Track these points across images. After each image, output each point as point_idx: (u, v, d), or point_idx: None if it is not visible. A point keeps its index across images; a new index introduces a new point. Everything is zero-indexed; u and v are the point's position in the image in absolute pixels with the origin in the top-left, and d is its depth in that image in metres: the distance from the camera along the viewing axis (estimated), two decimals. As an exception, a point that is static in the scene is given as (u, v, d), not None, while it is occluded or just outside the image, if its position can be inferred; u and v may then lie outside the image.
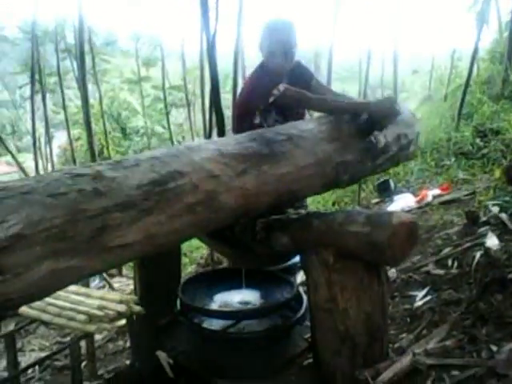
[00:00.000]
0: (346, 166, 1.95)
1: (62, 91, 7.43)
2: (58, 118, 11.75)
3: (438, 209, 4.07)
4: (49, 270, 1.09)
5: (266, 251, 2.05)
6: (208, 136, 5.16)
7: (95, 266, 1.21)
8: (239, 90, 3.49)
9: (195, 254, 5.81)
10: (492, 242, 2.67)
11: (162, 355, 2.35)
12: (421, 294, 2.55)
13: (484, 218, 3.20)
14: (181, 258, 2.80)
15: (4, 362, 3.24)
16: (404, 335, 2.18)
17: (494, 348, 1.73)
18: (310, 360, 2.12)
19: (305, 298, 2.29)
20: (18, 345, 3.37)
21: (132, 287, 3.55)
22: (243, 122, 2.40)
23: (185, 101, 10.29)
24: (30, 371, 3.24)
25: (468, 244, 2.91)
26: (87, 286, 3.33)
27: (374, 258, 1.71)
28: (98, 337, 3.42)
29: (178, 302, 2.41)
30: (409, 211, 4.19)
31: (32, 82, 6.58)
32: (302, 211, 2.21)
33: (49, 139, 8.52)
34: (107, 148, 9.13)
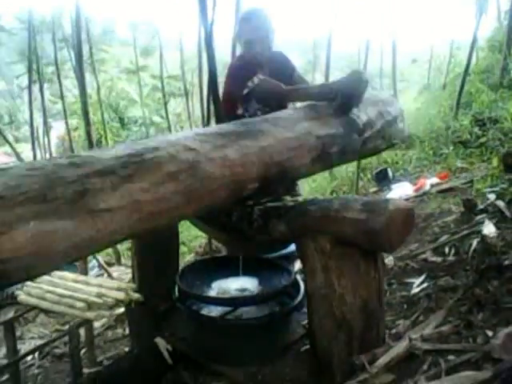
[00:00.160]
0: (331, 138, 1.97)
1: (60, 81, 7.38)
2: (56, 107, 11.71)
3: (435, 197, 4.08)
4: (35, 231, 1.10)
5: (263, 238, 2.06)
6: (206, 125, 5.15)
7: (85, 230, 1.20)
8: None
9: (193, 243, 5.82)
10: (489, 229, 2.68)
11: (160, 342, 2.37)
12: (418, 280, 2.56)
13: (481, 206, 3.21)
14: (179, 245, 2.81)
15: (4, 350, 3.26)
16: (401, 321, 2.20)
17: (490, 333, 1.74)
18: (308, 346, 2.14)
19: (302, 284, 2.30)
20: (18, 333, 3.39)
21: (130, 276, 3.56)
22: (227, 113, 2.45)
23: (183, 90, 10.25)
24: (29, 358, 3.26)
25: (465, 232, 2.92)
26: (86, 274, 3.34)
27: (371, 245, 1.72)
28: (96, 324, 3.44)
29: (177, 289, 2.42)
30: (407, 200, 4.20)
31: (29, 72, 6.55)
32: (299, 199, 2.23)
33: (47, 129, 8.50)
34: (105, 138, 9.12)
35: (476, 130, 5.62)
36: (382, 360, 1.73)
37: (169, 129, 10.33)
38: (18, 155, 6.30)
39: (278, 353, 2.24)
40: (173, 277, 2.50)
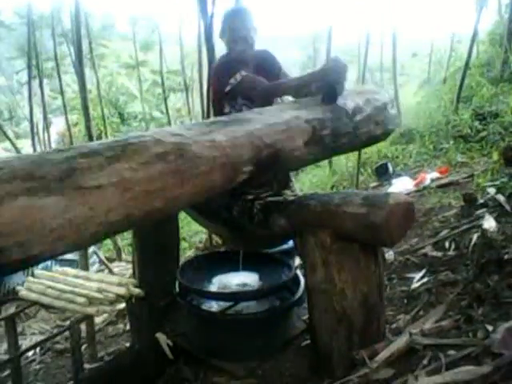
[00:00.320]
0: (320, 121, 1.97)
1: (60, 76, 7.37)
2: (56, 103, 11.69)
3: (435, 192, 4.08)
4: (25, 206, 1.11)
5: (264, 233, 2.06)
6: (206, 120, 5.14)
7: (77, 206, 1.20)
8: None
9: (194, 238, 5.83)
10: (489, 223, 2.68)
11: (161, 337, 2.38)
12: (418, 275, 2.57)
13: (481, 201, 3.21)
14: (179, 241, 2.81)
15: (5, 345, 3.27)
16: (401, 316, 2.20)
17: (490, 328, 1.74)
18: (308, 341, 2.14)
19: (302, 279, 2.30)
20: (19, 329, 3.40)
21: (131, 272, 3.57)
22: (216, 112, 2.51)
23: (183, 85, 10.23)
24: (30, 354, 3.27)
25: (465, 226, 2.92)
26: (86, 269, 3.35)
27: (371, 239, 1.72)
28: (97, 320, 3.45)
29: (177, 285, 2.43)
30: (407, 194, 4.20)
31: (29, 68, 6.53)
32: (299, 193, 2.23)
33: (46, 125, 8.49)
34: (105, 133, 9.11)
35: (476, 124, 5.62)
36: (383, 355, 1.73)
37: (169, 124, 10.32)
38: (18, 151, 6.30)
39: (278, 348, 2.24)
40: (173, 272, 2.50)
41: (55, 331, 3.35)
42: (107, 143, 1.37)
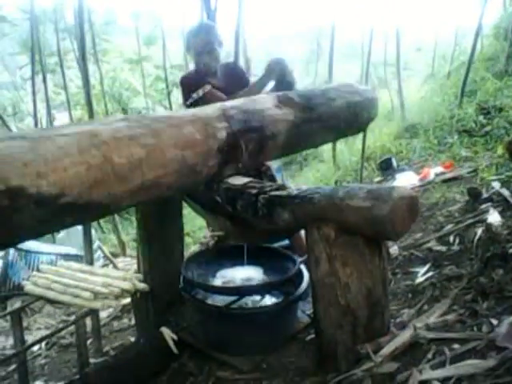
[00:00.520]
0: (284, 93, 2.25)
1: (63, 72, 7.36)
2: (59, 98, 11.68)
3: (440, 186, 4.07)
4: (4, 146, 1.25)
5: (268, 227, 2.06)
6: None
7: (44, 146, 1.32)
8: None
9: (198, 234, 5.83)
10: (494, 218, 2.68)
11: (166, 331, 2.38)
12: (422, 270, 2.57)
13: (486, 195, 3.21)
14: (184, 236, 2.82)
15: (11, 340, 3.29)
16: (405, 310, 2.20)
17: (495, 322, 1.74)
18: (313, 335, 2.15)
19: (307, 273, 2.31)
20: (25, 324, 3.41)
21: (135, 267, 3.58)
22: None
23: (186, 80, 10.20)
24: (36, 349, 3.29)
25: (470, 220, 2.92)
26: (91, 264, 3.36)
27: (375, 233, 1.71)
28: (102, 315, 3.46)
29: (182, 279, 2.43)
30: (411, 189, 4.19)
31: (32, 63, 6.52)
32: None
33: (50, 120, 8.49)
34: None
35: (481, 118, 5.60)
36: (387, 349, 1.74)
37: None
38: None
39: (283, 342, 2.25)
40: (178, 267, 2.51)
41: (60, 326, 3.37)
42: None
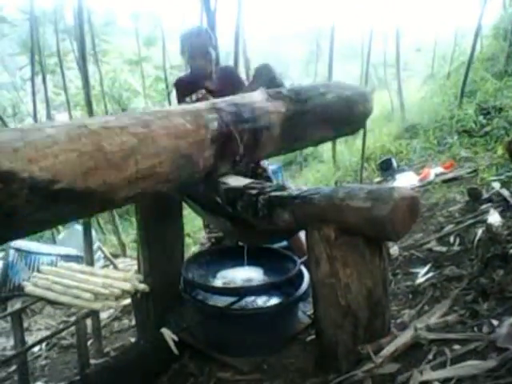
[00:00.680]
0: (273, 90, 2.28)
1: (63, 72, 7.36)
2: (59, 99, 11.67)
3: (440, 187, 4.07)
4: None
5: (268, 228, 2.06)
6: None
7: (32, 134, 1.36)
8: (240, 69, 3.54)
9: (198, 234, 5.83)
10: (494, 218, 2.68)
11: (166, 332, 2.38)
12: (423, 270, 2.57)
13: (486, 195, 3.21)
14: (184, 236, 2.82)
15: (11, 341, 3.29)
16: (406, 311, 2.20)
17: (495, 322, 1.75)
18: (313, 336, 2.15)
19: (307, 274, 2.31)
20: (25, 324, 3.41)
21: (136, 267, 3.58)
22: None
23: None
24: (36, 349, 3.29)
25: (470, 221, 2.92)
26: (92, 265, 3.36)
27: (376, 233, 1.71)
28: (103, 316, 3.46)
29: (182, 280, 2.43)
30: (411, 189, 4.19)
31: (32, 64, 6.52)
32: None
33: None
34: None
35: (481, 118, 5.60)
36: (388, 349, 1.74)
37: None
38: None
39: (283, 342, 2.25)
40: (178, 267, 2.51)
41: (61, 327, 3.36)
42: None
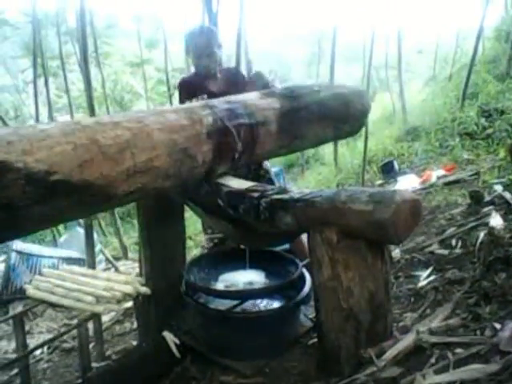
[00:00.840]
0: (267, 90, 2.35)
1: (65, 75, 7.37)
2: (61, 101, 11.69)
3: (442, 189, 4.07)
4: None
5: (270, 231, 2.06)
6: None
7: (25, 130, 1.39)
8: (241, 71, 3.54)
9: (199, 237, 5.83)
10: (496, 221, 2.67)
11: (168, 336, 2.38)
12: (425, 273, 2.56)
13: (488, 198, 3.20)
14: (185, 239, 2.81)
15: (13, 344, 3.29)
16: (408, 314, 2.20)
17: (498, 326, 1.74)
18: (315, 339, 2.14)
19: (309, 277, 2.30)
20: (27, 327, 3.41)
21: (137, 270, 3.58)
22: None
23: (188, 83, 10.21)
24: (38, 353, 3.29)
25: (472, 224, 2.91)
26: (93, 268, 3.36)
27: (378, 236, 1.71)
28: (105, 318, 3.46)
29: (184, 283, 2.43)
30: (413, 192, 4.19)
31: (34, 66, 6.53)
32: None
33: (52, 123, 8.50)
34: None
35: (482, 121, 5.59)
36: (390, 353, 1.73)
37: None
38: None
39: (285, 346, 2.24)
40: (180, 270, 2.51)
41: (63, 330, 3.36)
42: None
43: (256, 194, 2.04)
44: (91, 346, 2.87)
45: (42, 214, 1.44)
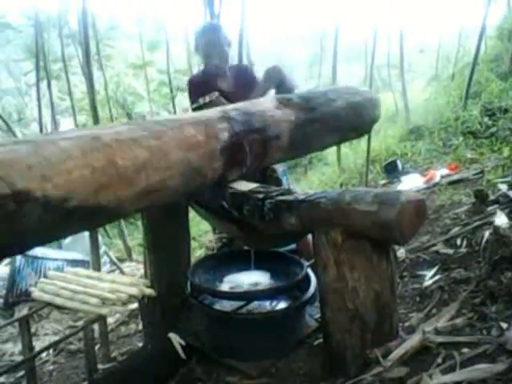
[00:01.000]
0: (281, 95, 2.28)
1: (67, 77, 7.39)
2: (64, 104, 11.72)
3: (446, 189, 4.06)
4: (8, 150, 1.24)
5: (274, 232, 2.06)
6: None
7: (47, 148, 1.31)
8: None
9: (203, 238, 5.83)
10: (501, 220, 2.66)
11: (173, 337, 2.38)
12: (430, 273, 2.56)
13: (493, 197, 3.19)
14: (190, 240, 2.82)
15: (19, 346, 3.30)
16: (414, 314, 2.19)
17: (504, 325, 1.73)
18: (321, 340, 2.14)
19: (314, 278, 2.30)
20: (32, 329, 3.42)
21: (142, 271, 3.58)
22: None
23: (190, 85, 10.22)
24: (44, 355, 3.30)
25: (477, 223, 2.90)
26: (98, 270, 3.37)
27: (383, 237, 1.71)
28: (110, 320, 3.47)
29: (189, 284, 2.43)
30: (417, 191, 4.18)
31: (37, 69, 6.55)
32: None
33: (55, 126, 8.52)
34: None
35: (486, 119, 5.59)
36: (396, 353, 1.73)
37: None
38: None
39: (291, 347, 2.25)
40: (185, 272, 2.51)
41: (68, 332, 3.38)
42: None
43: (260, 195, 2.04)
44: (97, 347, 2.88)
45: (52, 235, 1.44)
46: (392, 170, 5.50)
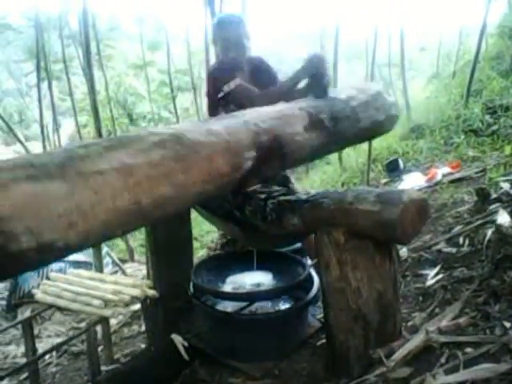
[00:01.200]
0: (314, 108, 2.06)
1: (68, 78, 7.39)
2: (65, 105, 11.74)
3: (447, 187, 4.05)
4: (30, 192, 1.10)
5: (277, 232, 2.06)
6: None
7: (80, 191, 1.19)
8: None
9: (206, 238, 5.84)
10: (503, 218, 2.65)
11: (176, 338, 2.38)
12: (432, 272, 2.55)
13: (495, 195, 3.18)
14: (192, 241, 2.82)
15: (22, 348, 3.30)
16: (417, 313, 2.19)
17: (508, 324, 1.73)
18: (324, 340, 2.14)
19: (317, 278, 2.30)
20: (35, 331, 3.41)
21: (144, 272, 3.58)
22: (210, 114, 2.60)
23: (191, 84, 10.23)
24: (47, 357, 3.30)
25: (479, 221, 2.89)
26: (101, 271, 3.37)
27: (385, 236, 1.71)
28: (113, 322, 3.47)
29: (192, 285, 2.43)
30: (419, 190, 4.17)
31: (37, 70, 6.55)
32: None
33: (56, 127, 8.53)
34: (115, 134, 9.12)
35: (487, 117, 5.57)
36: (399, 353, 1.73)
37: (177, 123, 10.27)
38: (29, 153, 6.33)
39: (294, 347, 2.24)
40: (188, 273, 2.51)
41: (71, 333, 3.38)
42: (103, 139, 1.49)
43: (262, 196, 2.04)
44: (100, 349, 2.88)
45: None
46: (393, 169, 5.49)
